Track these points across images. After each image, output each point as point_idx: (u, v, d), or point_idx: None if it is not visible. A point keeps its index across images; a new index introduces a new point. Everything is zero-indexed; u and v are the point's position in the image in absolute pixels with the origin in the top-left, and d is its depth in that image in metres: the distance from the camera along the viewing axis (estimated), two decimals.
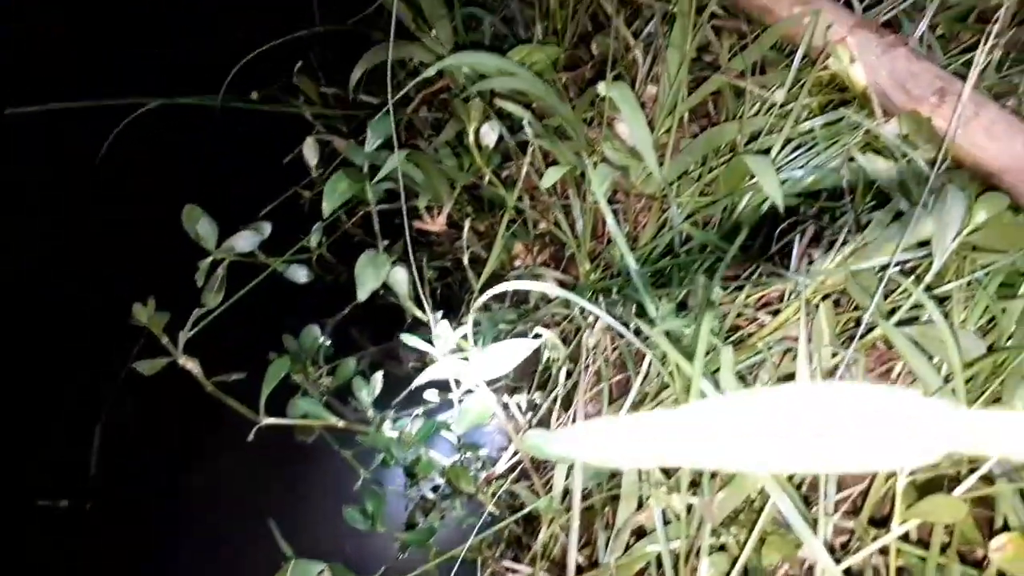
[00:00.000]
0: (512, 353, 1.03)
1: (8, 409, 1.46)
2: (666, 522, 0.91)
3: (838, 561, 0.77)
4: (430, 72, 1.20)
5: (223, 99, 1.51)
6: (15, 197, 1.69)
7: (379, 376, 1.10)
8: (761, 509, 0.82)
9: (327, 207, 1.17)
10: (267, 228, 1.23)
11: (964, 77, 1.00)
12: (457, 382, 1.10)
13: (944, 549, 0.73)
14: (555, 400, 1.19)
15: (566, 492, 1.03)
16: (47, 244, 1.67)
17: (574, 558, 0.85)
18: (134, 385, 1.45)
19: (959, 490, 0.73)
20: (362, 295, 1.15)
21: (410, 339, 1.11)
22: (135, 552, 1.37)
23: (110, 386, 1.44)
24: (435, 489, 1.20)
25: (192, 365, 1.05)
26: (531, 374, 1.35)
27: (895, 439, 0.18)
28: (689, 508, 0.88)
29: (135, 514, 1.39)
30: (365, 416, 1.20)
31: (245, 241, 1.20)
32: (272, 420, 1.09)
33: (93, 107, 1.33)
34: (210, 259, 1.14)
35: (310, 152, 1.44)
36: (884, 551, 0.74)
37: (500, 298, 1.39)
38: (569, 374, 1.19)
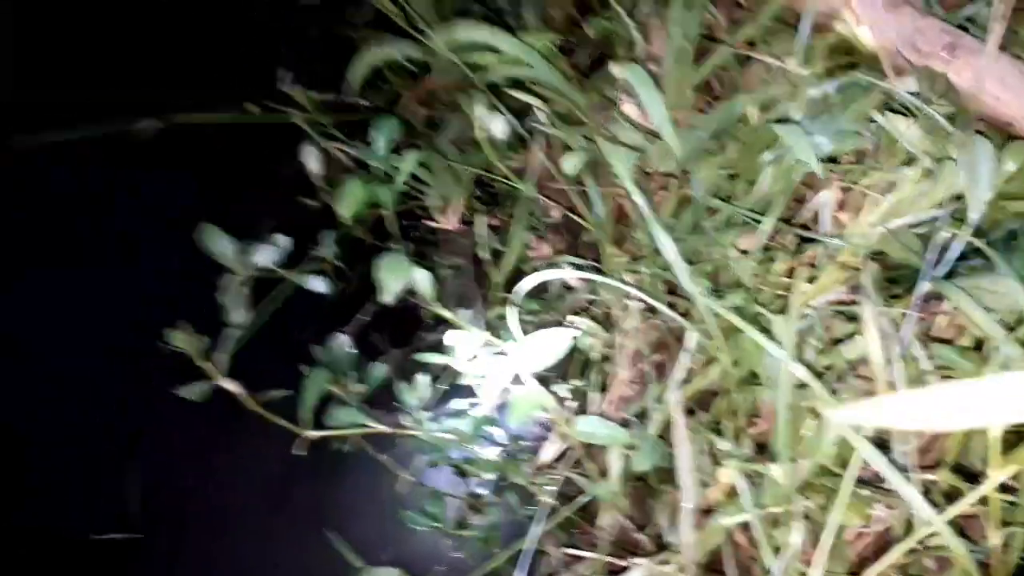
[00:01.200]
0: (554, 343, 1.03)
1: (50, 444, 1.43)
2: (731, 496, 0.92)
3: None
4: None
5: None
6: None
7: (426, 379, 1.09)
8: (834, 474, 0.84)
9: (346, 212, 1.15)
10: (286, 241, 1.21)
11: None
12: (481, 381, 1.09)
13: None
14: (592, 387, 1.19)
15: (624, 476, 1.03)
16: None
17: (690, 533, 0.85)
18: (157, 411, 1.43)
19: None
20: (387, 298, 1.13)
21: (427, 357, 1.09)
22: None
23: (139, 413, 1.41)
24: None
25: (234, 386, 1.03)
26: (558, 364, 1.34)
27: None
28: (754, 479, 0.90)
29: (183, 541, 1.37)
30: (399, 421, 1.19)
31: (265, 256, 1.18)
32: (316, 433, 1.08)
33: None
34: (238, 277, 1.12)
35: (312, 160, 1.42)
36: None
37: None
38: (604, 359, 1.19)
